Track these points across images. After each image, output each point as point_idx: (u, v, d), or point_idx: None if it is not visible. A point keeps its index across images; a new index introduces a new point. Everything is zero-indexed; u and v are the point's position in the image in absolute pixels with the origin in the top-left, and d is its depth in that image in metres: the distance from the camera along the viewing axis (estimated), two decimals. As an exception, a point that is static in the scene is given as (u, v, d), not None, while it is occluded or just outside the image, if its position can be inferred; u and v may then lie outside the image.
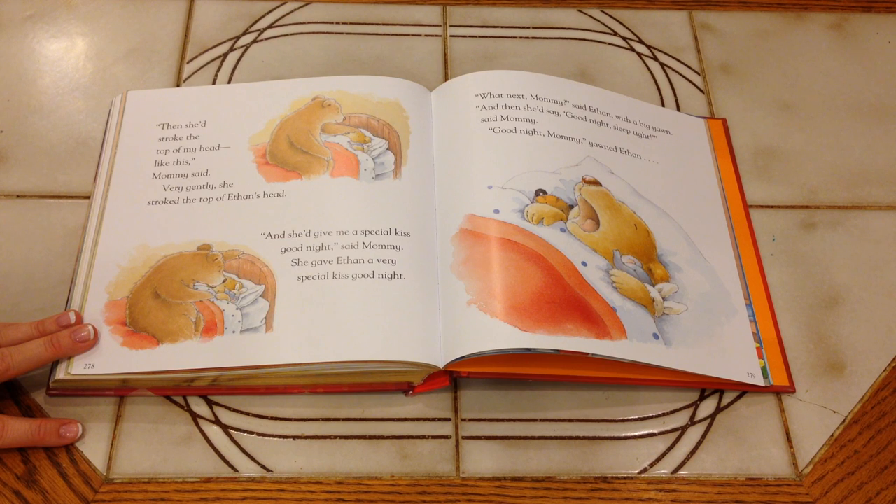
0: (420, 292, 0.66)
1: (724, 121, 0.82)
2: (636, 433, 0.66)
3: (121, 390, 0.65)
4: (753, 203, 0.77)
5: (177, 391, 0.66)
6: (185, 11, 0.86)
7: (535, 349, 0.62)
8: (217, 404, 0.66)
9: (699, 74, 0.85)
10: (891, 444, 0.66)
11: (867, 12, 0.90)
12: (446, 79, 0.83)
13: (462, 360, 0.63)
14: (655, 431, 0.66)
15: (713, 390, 0.68)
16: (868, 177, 0.79)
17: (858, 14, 0.90)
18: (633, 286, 0.68)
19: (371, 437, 0.65)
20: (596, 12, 0.89)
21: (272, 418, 0.65)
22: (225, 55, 0.84)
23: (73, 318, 0.65)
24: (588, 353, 0.63)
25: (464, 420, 0.66)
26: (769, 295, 0.71)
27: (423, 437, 0.65)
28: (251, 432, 0.64)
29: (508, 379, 0.67)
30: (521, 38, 0.87)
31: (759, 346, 0.68)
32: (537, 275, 0.66)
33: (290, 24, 0.86)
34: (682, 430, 0.66)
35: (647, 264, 0.69)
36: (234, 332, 0.64)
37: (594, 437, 0.65)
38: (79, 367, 0.63)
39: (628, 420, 0.66)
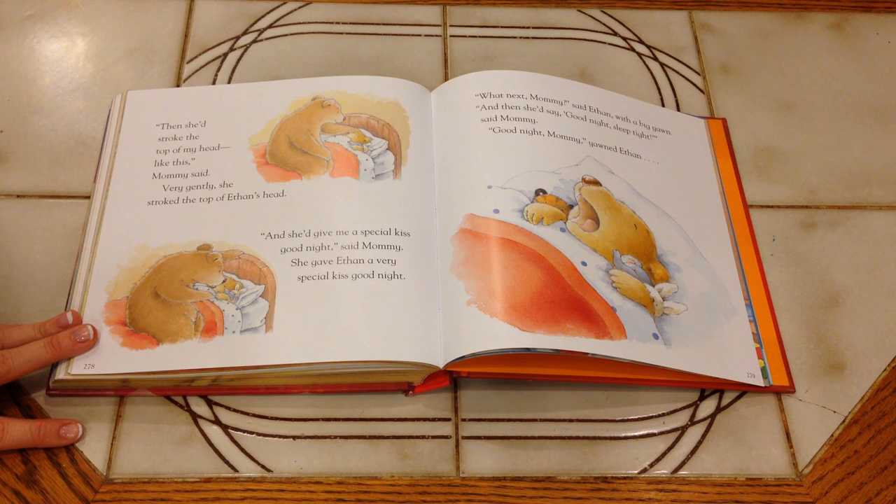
0: (420, 292, 0.66)
1: (724, 121, 0.82)
2: (636, 433, 0.66)
3: (121, 390, 0.65)
4: (753, 203, 0.77)
5: (177, 391, 0.66)
6: (185, 11, 0.86)
7: (534, 349, 0.62)
8: (217, 404, 0.66)
9: (699, 74, 0.85)
10: (891, 444, 0.66)
11: (867, 12, 0.90)
12: (446, 79, 0.83)
13: (462, 360, 0.63)
14: (655, 431, 0.66)
15: (713, 390, 0.68)
16: (868, 177, 0.79)
17: (858, 14, 0.90)
18: (633, 286, 0.68)
19: (371, 437, 0.65)
20: (596, 12, 0.89)
21: (272, 418, 0.65)
22: (225, 55, 0.84)
23: (70, 318, 0.65)
24: (588, 353, 0.63)
25: (464, 420, 0.66)
26: (769, 295, 0.71)
27: (423, 437, 0.65)
28: (251, 432, 0.64)
29: (508, 379, 0.67)
30: (521, 38, 0.87)
31: (758, 346, 0.68)
32: (537, 275, 0.66)
33: (290, 24, 0.86)
34: (682, 430, 0.66)
35: (646, 264, 0.69)
36: (234, 332, 0.64)
37: (594, 437, 0.65)
38: (79, 368, 0.63)
39: (628, 420, 0.66)
